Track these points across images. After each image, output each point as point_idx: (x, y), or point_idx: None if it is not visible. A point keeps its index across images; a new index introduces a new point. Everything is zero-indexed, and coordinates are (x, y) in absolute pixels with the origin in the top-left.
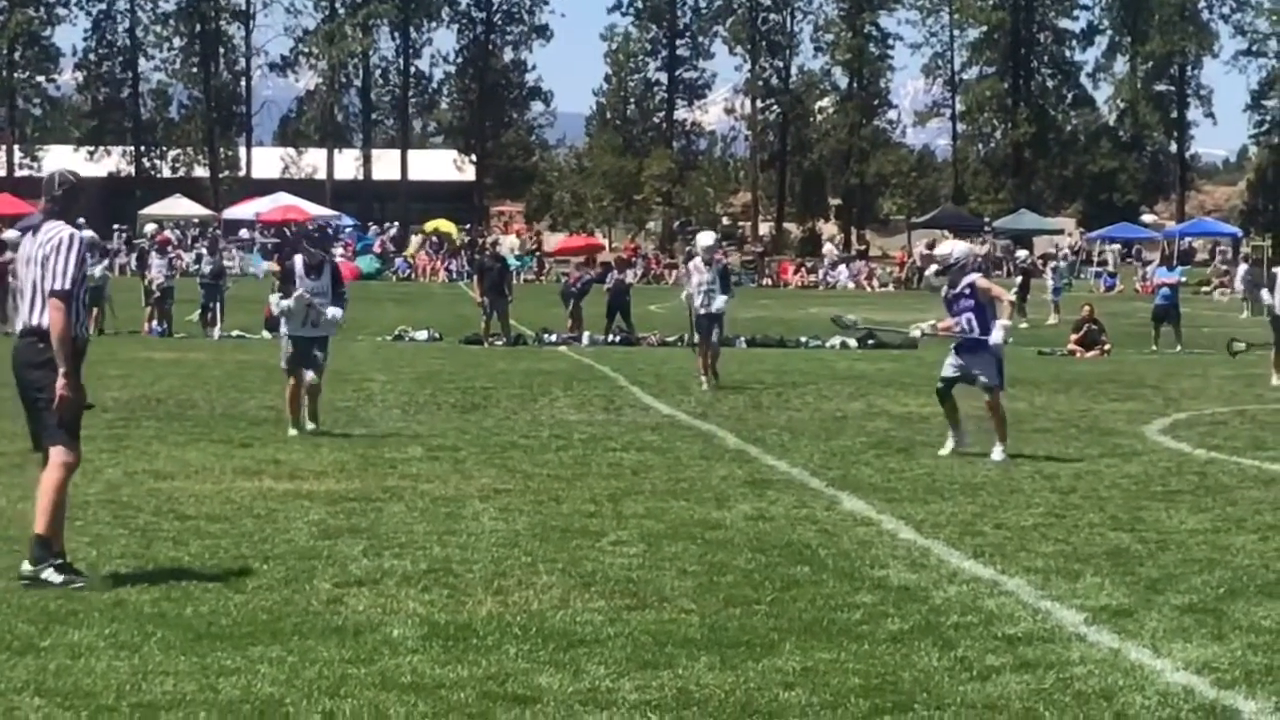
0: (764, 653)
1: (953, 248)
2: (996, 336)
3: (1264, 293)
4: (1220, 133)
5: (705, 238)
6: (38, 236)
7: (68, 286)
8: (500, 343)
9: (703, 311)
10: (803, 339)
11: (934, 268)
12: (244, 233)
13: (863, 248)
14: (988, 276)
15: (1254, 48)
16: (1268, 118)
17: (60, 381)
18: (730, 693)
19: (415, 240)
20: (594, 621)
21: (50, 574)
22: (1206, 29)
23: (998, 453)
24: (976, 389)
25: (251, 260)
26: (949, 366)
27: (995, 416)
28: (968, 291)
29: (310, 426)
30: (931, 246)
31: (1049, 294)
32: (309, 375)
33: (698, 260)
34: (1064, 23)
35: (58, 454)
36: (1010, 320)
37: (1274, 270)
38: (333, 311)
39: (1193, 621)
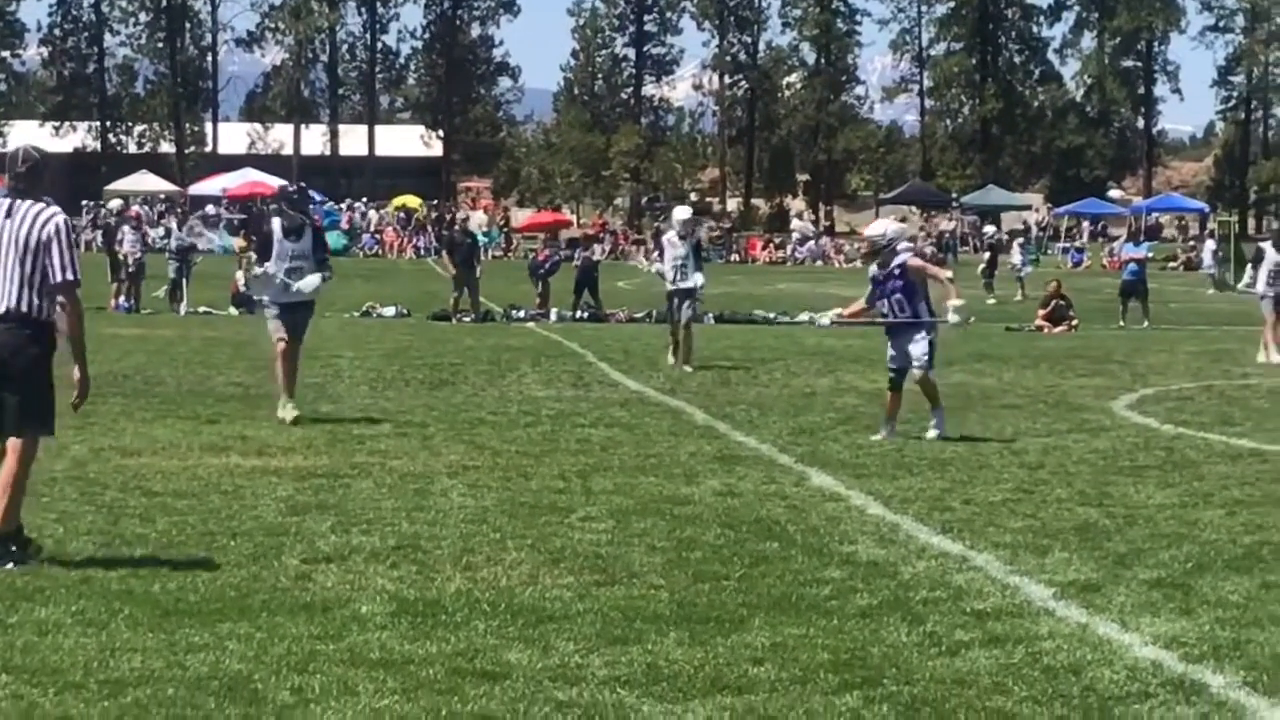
0: (733, 628)
1: (885, 227)
2: (953, 319)
3: (1248, 267)
4: (1187, 109)
5: (681, 212)
6: (19, 216)
7: (78, 277)
8: (468, 319)
9: (674, 288)
10: (771, 314)
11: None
12: (210, 208)
13: (828, 224)
14: (946, 252)
15: (1221, 23)
16: (1234, 93)
17: (77, 374)
18: (699, 668)
19: (375, 215)
20: (563, 597)
21: (10, 566)
22: (1174, 5)
23: (935, 422)
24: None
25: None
26: (893, 356)
27: (927, 393)
28: (898, 272)
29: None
30: (902, 221)
31: (1020, 269)
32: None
33: (671, 235)
34: None
35: (31, 445)
36: (959, 299)
37: (1259, 245)
38: (309, 280)
39: (1160, 596)
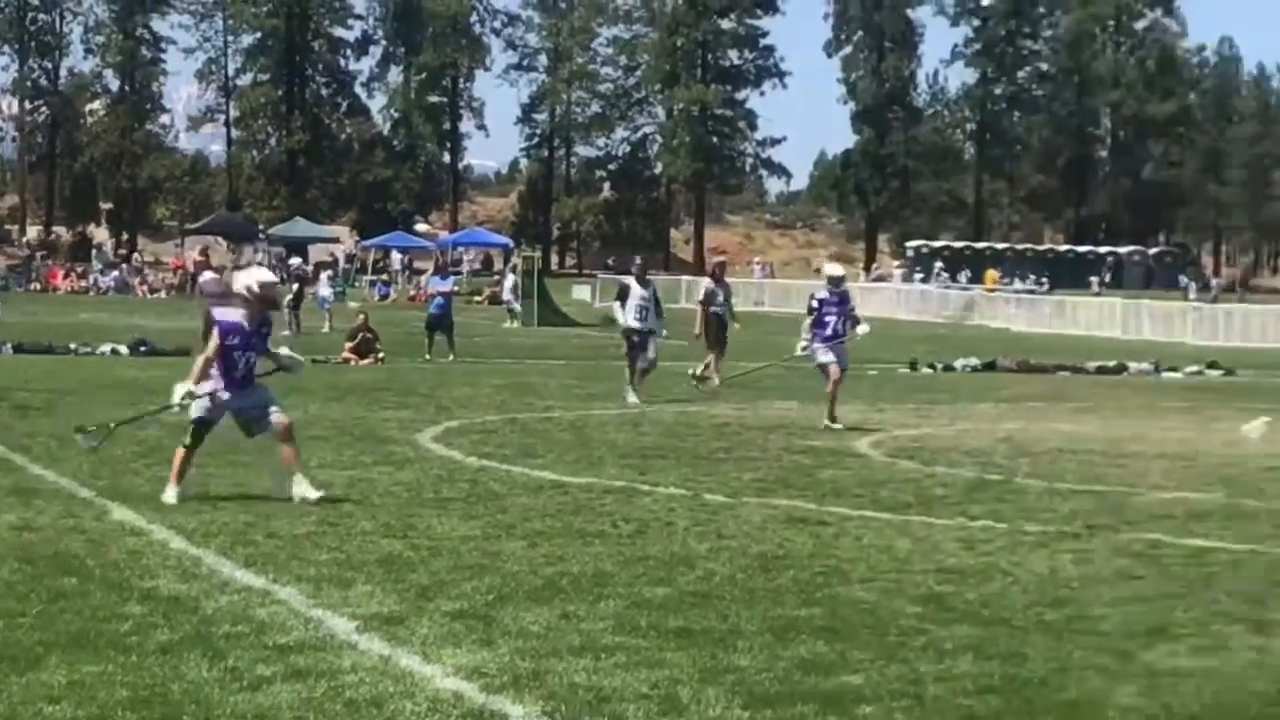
0: (28, 667)
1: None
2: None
3: (615, 305)
4: (492, 145)
5: None
6: None
7: None
8: None
9: None
10: (73, 346)
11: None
12: None
13: (124, 252)
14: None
15: (525, 62)
16: (538, 131)
17: None
18: None
19: None
20: None
21: None
22: (479, 42)
23: (306, 488)
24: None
25: None
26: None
27: (289, 446)
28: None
29: None
30: (204, 253)
31: (329, 301)
32: None
33: None
34: (339, 31)
35: None
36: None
37: (623, 282)
38: None
39: (463, 627)
